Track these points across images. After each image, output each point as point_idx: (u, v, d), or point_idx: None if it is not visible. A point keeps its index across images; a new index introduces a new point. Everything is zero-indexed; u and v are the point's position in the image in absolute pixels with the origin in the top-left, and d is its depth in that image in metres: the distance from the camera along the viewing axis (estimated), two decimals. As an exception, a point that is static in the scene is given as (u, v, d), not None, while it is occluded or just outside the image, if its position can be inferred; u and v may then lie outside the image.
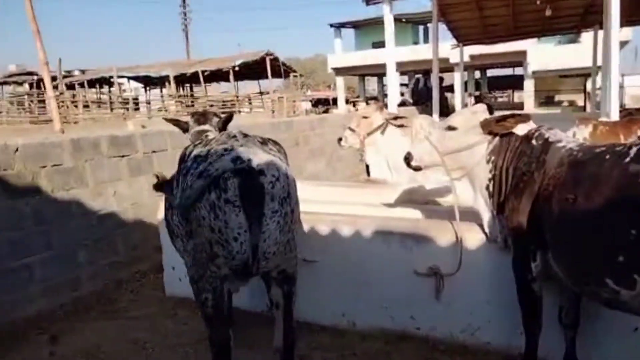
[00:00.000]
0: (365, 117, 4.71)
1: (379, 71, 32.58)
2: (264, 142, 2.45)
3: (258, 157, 2.10)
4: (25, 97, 23.42)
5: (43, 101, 21.11)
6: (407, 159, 2.90)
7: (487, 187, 2.62)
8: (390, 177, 4.76)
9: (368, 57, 30.17)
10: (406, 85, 34.73)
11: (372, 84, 42.10)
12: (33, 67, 30.79)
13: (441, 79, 14.32)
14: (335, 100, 33.77)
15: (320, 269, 3.43)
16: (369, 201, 4.31)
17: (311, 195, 4.59)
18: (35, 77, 28.50)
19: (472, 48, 19.54)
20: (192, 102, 24.58)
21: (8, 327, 3.55)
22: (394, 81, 9.68)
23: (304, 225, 3.45)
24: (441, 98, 12.87)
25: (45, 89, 25.18)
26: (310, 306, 3.51)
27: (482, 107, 2.75)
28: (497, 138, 2.58)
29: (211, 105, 23.22)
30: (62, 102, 20.10)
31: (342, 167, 9.47)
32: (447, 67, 23.78)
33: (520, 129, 2.51)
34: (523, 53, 26.00)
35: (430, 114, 12.35)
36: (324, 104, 38.50)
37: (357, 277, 3.33)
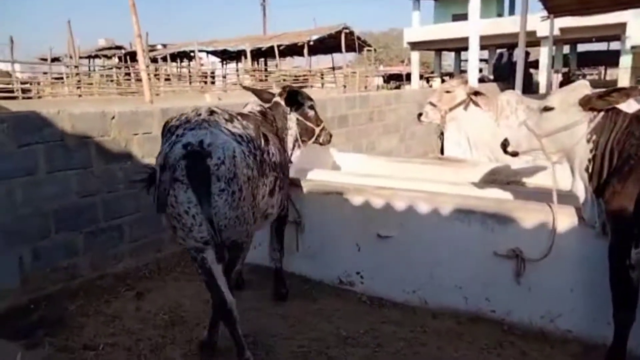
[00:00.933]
0: (447, 92, 4.52)
1: (457, 45, 31.03)
2: (231, 119, 2.52)
3: (210, 138, 2.24)
4: (114, 70, 24.91)
5: (129, 74, 22.41)
6: (505, 145, 2.81)
7: (587, 169, 2.42)
8: (470, 155, 4.56)
9: (447, 30, 28.71)
10: (485, 60, 33.04)
11: (447, 59, 40.42)
12: (121, 41, 32.79)
13: (527, 54, 13.42)
14: (408, 76, 32.81)
15: (394, 245, 3.39)
16: (448, 179, 4.18)
17: (387, 171, 4.55)
18: (123, 51, 30.29)
19: (564, 20, 18.01)
20: (265, 76, 24.96)
21: (99, 281, 3.84)
22: (475, 55, 9.18)
23: (379, 200, 3.41)
24: (525, 74, 12.10)
25: (131, 62, 26.76)
26: (382, 281, 3.50)
27: (583, 83, 2.53)
28: (600, 115, 2.36)
29: (284, 80, 23.49)
30: (148, 74, 21.17)
31: (415, 144, 9.25)
32: (533, 40, 22.19)
33: (628, 106, 2.28)
34: (622, 25, 23.61)
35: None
36: (397, 80, 37.66)
37: (432, 255, 3.25)
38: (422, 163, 4.73)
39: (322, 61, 33.70)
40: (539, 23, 19.13)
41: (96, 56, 31.36)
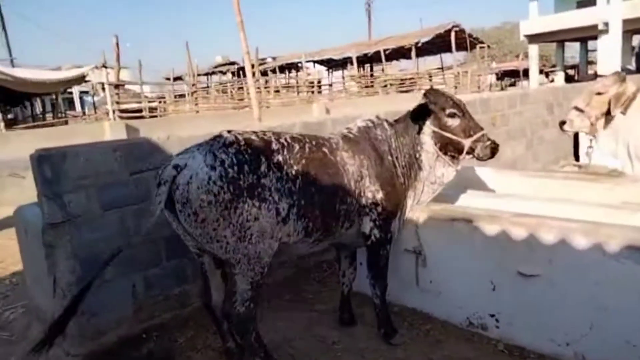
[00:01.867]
0: (599, 94, 3.73)
1: (583, 34, 27.95)
2: (232, 143, 2.57)
3: (185, 162, 2.45)
4: (228, 85, 26.33)
5: (241, 88, 23.51)
6: None
7: None
8: (630, 168, 3.71)
9: (572, 18, 25.83)
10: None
11: (570, 51, 36.72)
12: (235, 57, 34.72)
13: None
14: (525, 72, 30.26)
15: (540, 285, 2.78)
16: (603, 200, 3.43)
17: (522, 189, 3.88)
18: (236, 66, 32.01)
19: None
20: (371, 82, 24.61)
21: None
22: (618, 42, 7.88)
23: (520, 230, 2.82)
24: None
25: (244, 76, 28.16)
26: (524, 328, 2.90)
27: None
28: None
29: (390, 84, 22.93)
30: (258, 88, 21.99)
31: (543, 150, 8.20)
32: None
33: None
34: None
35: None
36: (511, 76, 35.03)
37: (594, 300, 2.58)
38: (565, 178, 3.96)
39: (430, 62, 32.53)
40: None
41: (213, 73, 33.55)
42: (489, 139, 3.01)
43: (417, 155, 3.02)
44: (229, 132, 2.67)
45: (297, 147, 2.72)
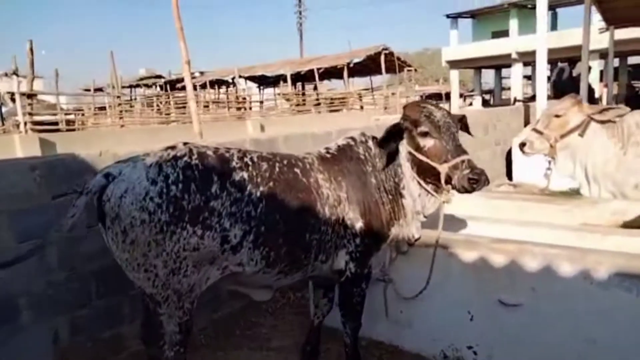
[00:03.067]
0: (557, 116, 3.73)
1: (498, 62, 30.21)
2: (189, 154, 2.24)
3: (121, 171, 2.15)
4: (154, 98, 25.10)
5: (168, 102, 22.48)
6: None
7: None
8: (588, 190, 3.73)
9: (488, 47, 27.99)
10: (529, 77, 31.81)
11: (485, 77, 39.32)
12: (160, 70, 33.32)
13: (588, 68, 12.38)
14: (448, 95, 31.90)
15: (523, 315, 2.61)
16: (565, 222, 3.39)
17: (481, 210, 3.77)
18: (162, 80, 30.71)
19: (617, 32, 16.87)
20: (303, 100, 24.58)
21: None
22: (543, 69, 8.35)
23: (500, 257, 2.65)
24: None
25: (171, 90, 27.02)
26: (505, 361, 2.70)
27: None
28: None
29: (319, 104, 23.00)
30: (196, 103, 21.12)
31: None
32: (577, 55, 21.11)
33: None
34: (680, 35, 22.24)
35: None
36: (433, 99, 36.74)
37: (579, 330, 2.45)
38: (524, 200, 3.92)
39: (357, 83, 33.22)
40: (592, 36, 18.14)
41: (137, 85, 31.92)
42: (470, 167, 2.37)
43: (398, 180, 2.60)
44: (185, 144, 2.30)
45: (264, 166, 2.36)
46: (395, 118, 3.56)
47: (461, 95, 35.02)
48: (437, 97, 34.21)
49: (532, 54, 25.02)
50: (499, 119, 8.58)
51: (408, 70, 24.15)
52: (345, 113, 21.61)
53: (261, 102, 26.02)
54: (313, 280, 2.93)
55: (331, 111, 22.23)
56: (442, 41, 30.16)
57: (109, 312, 3.06)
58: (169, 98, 23.41)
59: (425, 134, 2.45)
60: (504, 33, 28.76)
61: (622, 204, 3.49)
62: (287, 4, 59.52)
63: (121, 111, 17.04)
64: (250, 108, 24.07)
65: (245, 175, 2.27)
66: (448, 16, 30.23)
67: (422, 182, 2.54)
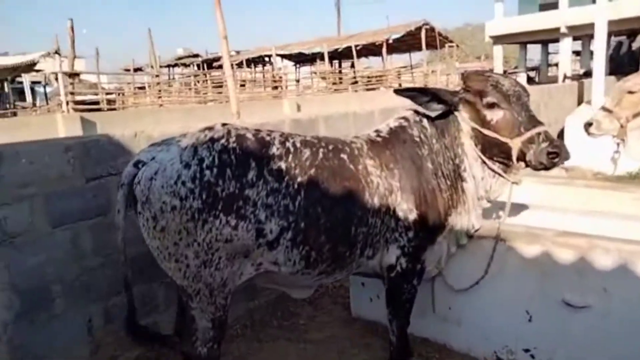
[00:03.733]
0: (631, 92, 3.33)
1: (545, 37, 28.65)
2: (227, 135, 2.08)
3: (153, 155, 2.03)
4: (192, 77, 25.23)
5: (206, 81, 22.53)
6: None
7: None
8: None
9: (537, 21, 26.48)
10: (577, 52, 30.14)
11: (530, 53, 37.60)
12: (197, 49, 33.44)
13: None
14: (491, 73, 30.66)
15: (591, 318, 2.34)
16: (635, 212, 3.04)
17: (541, 198, 3.46)
18: (200, 59, 30.82)
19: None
20: (340, 78, 24.13)
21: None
22: (602, 43, 7.71)
23: (567, 253, 2.37)
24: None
25: (208, 69, 27.05)
26: (572, 367, 2.45)
27: None
28: None
29: (356, 82, 22.49)
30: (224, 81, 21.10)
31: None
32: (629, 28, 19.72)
33: None
34: None
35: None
36: (476, 77, 35.33)
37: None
38: (587, 186, 3.57)
39: (395, 60, 32.38)
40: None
41: (175, 65, 32.19)
42: (547, 139, 2.16)
43: (459, 162, 2.35)
44: (224, 125, 2.12)
45: (307, 152, 2.15)
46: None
47: (504, 73, 33.68)
48: (479, 74, 32.96)
49: (583, 27, 23.74)
50: (551, 97, 8.06)
51: (450, 47, 23.27)
52: (383, 92, 21.09)
53: (297, 81, 25.77)
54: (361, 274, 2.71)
55: (368, 89, 21.76)
56: (483, 16, 28.82)
57: (144, 300, 2.97)
58: (206, 77, 23.49)
59: (492, 105, 2.23)
60: (553, 5, 27.18)
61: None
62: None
63: (160, 90, 17.17)
64: (287, 87, 23.90)
65: (286, 162, 2.08)
66: (493, -12, 28.72)
67: (487, 161, 2.30)
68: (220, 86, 22.16)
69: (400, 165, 2.31)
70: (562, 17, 25.59)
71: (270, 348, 3.14)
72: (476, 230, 2.53)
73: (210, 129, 2.09)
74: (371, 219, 2.21)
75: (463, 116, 2.32)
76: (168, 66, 31.60)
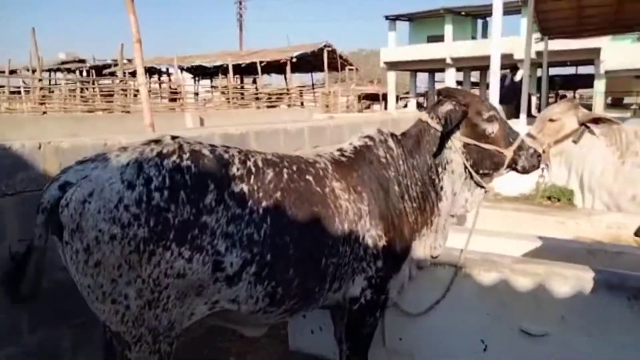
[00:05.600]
0: (552, 120, 3.53)
1: (432, 66, 31.17)
2: (172, 152, 1.74)
3: (86, 173, 1.65)
4: (77, 84, 23.14)
5: (94, 89, 20.77)
6: None
7: None
8: (582, 199, 3.57)
9: (425, 50, 28.78)
10: (460, 82, 33.09)
11: (419, 81, 40.58)
12: (83, 54, 30.85)
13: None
14: (384, 96, 32.41)
15: (549, 347, 2.32)
16: (558, 235, 3.20)
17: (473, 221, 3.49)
18: (87, 65, 28.45)
19: (540, 44, 17.81)
20: (241, 94, 23.76)
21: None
22: (497, 76, 8.38)
23: (524, 280, 2.35)
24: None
25: (96, 76, 24.98)
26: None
27: None
28: None
29: (257, 99, 22.31)
30: (124, 90, 19.64)
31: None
32: (508, 63, 22.29)
33: None
34: (596, 50, 24.20)
35: (517, 115, 11.10)
36: (369, 99, 37.19)
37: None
38: (515, 210, 3.70)
39: (294, 80, 32.85)
40: (515, 46, 19.14)
41: (58, 69, 29.32)
42: (529, 146, 2.37)
43: (437, 180, 2.25)
44: (173, 137, 1.78)
45: (270, 173, 1.87)
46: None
47: (396, 97, 35.71)
48: (374, 97, 34.67)
49: (465, 59, 26.35)
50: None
51: (350, 69, 24.10)
52: (286, 109, 21.14)
53: (196, 94, 24.87)
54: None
55: (269, 107, 21.67)
56: (376, 42, 30.55)
57: (44, 349, 2.41)
58: (94, 84, 21.66)
59: (492, 119, 2.26)
60: (439, 38, 29.75)
61: (617, 216, 3.35)
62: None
63: (43, 96, 15.38)
64: (184, 99, 22.88)
65: (248, 185, 1.79)
66: (387, 17, 30.68)
67: (474, 174, 2.27)
68: (111, 95, 20.59)
69: (367, 187, 2.12)
70: (447, 49, 28.24)
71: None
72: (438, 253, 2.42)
73: (157, 142, 1.74)
74: (341, 248, 1.99)
75: (455, 133, 2.23)
76: (49, 70, 28.72)
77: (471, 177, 2.29)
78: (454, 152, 2.25)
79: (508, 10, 27.11)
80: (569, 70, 32.62)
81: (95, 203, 1.58)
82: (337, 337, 2.50)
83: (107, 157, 1.67)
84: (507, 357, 2.44)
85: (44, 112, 13.69)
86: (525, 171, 2.37)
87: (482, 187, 2.33)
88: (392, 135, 2.31)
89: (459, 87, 33.51)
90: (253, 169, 1.84)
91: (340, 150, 2.26)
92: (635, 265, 2.66)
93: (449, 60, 28.59)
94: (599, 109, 24.43)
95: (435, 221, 2.30)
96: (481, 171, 2.30)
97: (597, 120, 3.43)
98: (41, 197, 1.67)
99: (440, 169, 2.26)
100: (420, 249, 2.32)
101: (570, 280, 2.26)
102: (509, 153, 2.28)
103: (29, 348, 2.33)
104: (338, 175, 2.09)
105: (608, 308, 2.19)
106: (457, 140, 2.24)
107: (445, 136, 2.20)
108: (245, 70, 24.47)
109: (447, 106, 2.23)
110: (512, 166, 2.34)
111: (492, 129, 2.25)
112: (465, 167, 2.26)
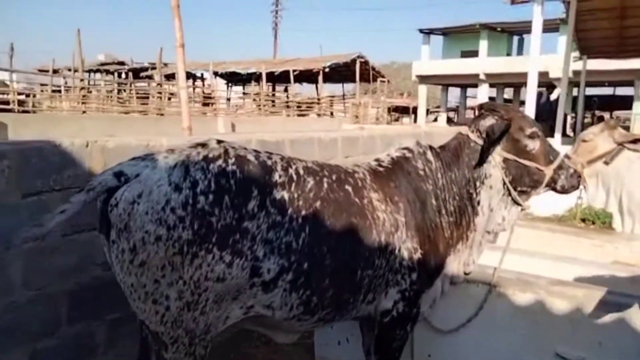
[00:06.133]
0: (584, 141, 3.46)
1: (465, 81, 30.91)
2: (218, 156, 1.78)
3: (137, 171, 1.67)
4: (115, 86, 23.84)
5: (131, 91, 21.36)
6: None
7: None
8: (621, 223, 3.47)
9: (458, 65, 28.55)
10: (493, 98, 32.67)
11: (450, 96, 40.26)
12: (122, 57, 31.77)
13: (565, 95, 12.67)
14: (414, 109, 32.25)
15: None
16: (595, 259, 3.12)
17: (520, 243, 3.44)
18: (126, 67, 29.27)
19: (578, 63, 17.44)
20: (272, 102, 24.02)
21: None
22: (533, 93, 8.25)
23: (561, 302, 2.30)
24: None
25: (134, 78, 25.65)
26: None
27: None
28: None
29: (288, 107, 22.52)
30: (160, 93, 20.13)
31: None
32: (544, 81, 21.92)
33: None
34: (636, 71, 23.54)
35: (552, 134, 10.87)
36: (399, 112, 37.07)
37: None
38: (550, 230, 3.62)
39: (325, 90, 33.06)
40: (551, 64, 18.81)
41: (97, 70, 30.28)
42: (569, 166, 2.33)
43: (474, 195, 2.23)
44: (219, 142, 1.81)
45: (310, 182, 1.89)
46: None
47: (427, 111, 35.51)
48: (404, 110, 34.55)
49: (499, 76, 25.98)
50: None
51: (382, 81, 24.08)
52: (315, 119, 21.28)
53: (228, 99, 25.29)
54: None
55: (299, 115, 21.84)
56: (408, 56, 30.45)
57: (80, 342, 2.47)
58: (131, 87, 22.26)
59: (534, 136, 2.22)
60: (474, 53, 29.46)
61: (659, 242, 3.24)
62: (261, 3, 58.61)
63: (83, 96, 15.91)
64: (218, 105, 23.31)
65: (289, 192, 1.81)
66: (421, 31, 30.54)
67: (512, 190, 2.23)
68: (146, 97, 21.13)
69: (404, 198, 2.12)
70: (480, 65, 27.95)
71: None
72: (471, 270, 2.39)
73: (203, 145, 1.78)
74: (377, 260, 1.98)
75: (496, 148, 2.20)
76: (89, 71, 29.69)
77: (509, 194, 2.25)
78: (494, 166, 2.21)
79: (546, 28, 26.81)
80: (607, 91, 31.85)
81: (143, 204, 1.61)
82: (365, 348, 2.50)
83: (156, 158, 1.71)
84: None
85: (84, 112, 14.14)
86: (564, 191, 2.34)
87: (519, 204, 2.29)
88: (431, 147, 2.30)
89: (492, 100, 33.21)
90: (295, 177, 1.86)
91: (377, 160, 2.26)
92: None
93: (482, 76, 28.30)
94: (638, 130, 23.79)
95: (471, 237, 2.27)
96: (519, 188, 2.26)
97: (636, 141, 3.34)
98: (91, 180, 1.71)
99: (478, 184, 2.23)
100: (455, 264, 2.29)
101: (610, 306, 2.20)
102: (548, 171, 2.24)
103: (65, 340, 2.40)
104: (376, 185, 2.09)
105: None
106: (497, 155, 2.21)
107: (485, 150, 2.16)
108: (278, 79, 24.75)
109: (490, 120, 2.22)
110: (551, 185, 2.31)
111: (534, 145, 2.22)
112: (504, 183, 2.22)
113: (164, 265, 1.62)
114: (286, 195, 1.79)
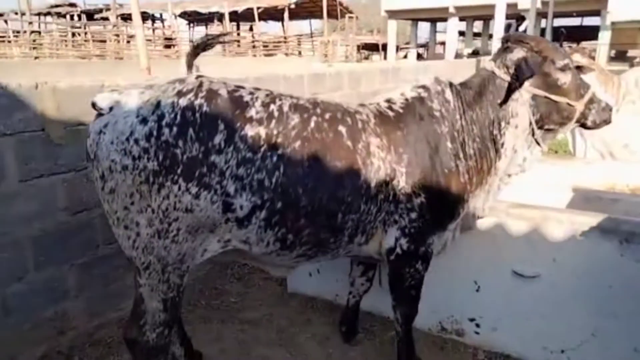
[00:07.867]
0: None
1: (434, 15, 30.32)
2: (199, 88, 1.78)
3: (113, 103, 1.72)
4: (68, 29, 22.47)
5: (86, 34, 20.18)
6: None
7: None
8: (576, 148, 3.59)
9: (429, -1, 27.84)
10: (463, 33, 32.30)
11: (420, 31, 39.60)
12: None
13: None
14: (384, 46, 31.71)
15: (540, 287, 2.41)
16: (568, 185, 3.23)
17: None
18: (78, 9, 27.53)
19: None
20: (238, 42, 23.17)
21: (98, 333, 2.70)
22: (500, 26, 8.18)
23: (519, 224, 2.41)
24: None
25: (87, 20, 24.20)
26: (510, 334, 2.54)
27: None
28: None
29: (254, 47, 21.80)
30: (117, 35, 19.12)
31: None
32: (512, 13, 21.75)
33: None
34: (603, 1, 23.55)
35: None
36: (368, 50, 36.43)
37: (601, 304, 2.29)
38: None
39: (292, 28, 31.98)
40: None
41: (47, 14, 28.39)
42: (600, 101, 2.17)
43: (499, 137, 2.08)
44: (198, 77, 1.79)
45: (295, 119, 1.82)
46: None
47: (396, 48, 34.96)
48: (374, 47, 33.91)
49: (468, 8, 25.56)
50: (456, 72, 8.40)
51: (350, 18, 23.43)
52: (284, 58, 20.72)
53: (191, 41, 24.24)
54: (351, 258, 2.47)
55: (266, 55, 21.22)
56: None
57: (50, 286, 2.48)
58: (86, 30, 21.03)
59: (565, 68, 2.04)
60: (445, -15, 28.73)
61: (614, 165, 3.38)
62: None
63: (34, 41, 14.97)
64: (173, 45, 22.33)
65: (267, 129, 1.76)
66: (389, -36, 29.36)
67: (536, 130, 2.10)
68: (103, 41, 20.06)
69: (411, 149, 1.98)
70: (451, -2, 27.34)
71: (202, 331, 2.85)
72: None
73: (181, 81, 1.76)
74: (364, 205, 1.93)
75: (524, 84, 2.02)
76: (39, 14, 27.81)
77: (532, 133, 2.12)
78: (521, 104, 2.05)
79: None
80: (575, 22, 31.88)
81: (109, 134, 1.67)
82: (350, 280, 2.62)
83: (132, 93, 1.73)
84: (498, 298, 2.53)
85: (36, 57, 13.37)
86: (595, 126, 2.18)
87: (540, 144, 2.17)
88: (451, 85, 2.13)
89: (461, 37, 32.87)
90: (276, 114, 1.80)
91: (388, 101, 2.10)
92: (628, 212, 2.72)
93: (452, 9, 27.77)
94: (602, 61, 24.11)
95: (490, 181, 2.17)
96: (547, 126, 2.13)
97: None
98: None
99: (503, 124, 2.07)
100: (470, 209, 2.21)
101: (565, 225, 2.31)
102: (580, 106, 2.08)
103: (35, 285, 2.40)
104: (379, 130, 1.97)
105: (599, 251, 2.25)
106: (525, 92, 2.04)
107: (514, 87, 1.99)
108: (242, 17, 23.75)
109: (519, 53, 2.03)
110: (581, 121, 2.15)
111: (565, 79, 2.04)
112: (530, 122, 2.08)
113: (132, 193, 1.68)
114: (262, 132, 1.75)
